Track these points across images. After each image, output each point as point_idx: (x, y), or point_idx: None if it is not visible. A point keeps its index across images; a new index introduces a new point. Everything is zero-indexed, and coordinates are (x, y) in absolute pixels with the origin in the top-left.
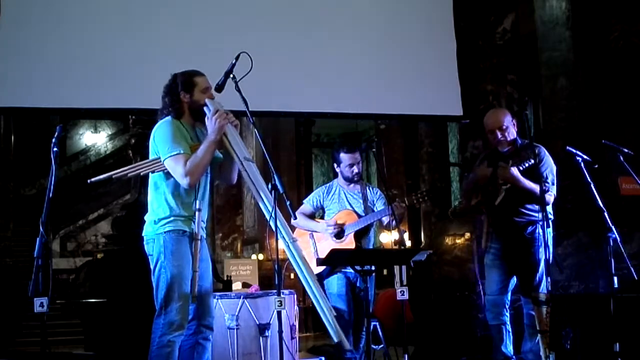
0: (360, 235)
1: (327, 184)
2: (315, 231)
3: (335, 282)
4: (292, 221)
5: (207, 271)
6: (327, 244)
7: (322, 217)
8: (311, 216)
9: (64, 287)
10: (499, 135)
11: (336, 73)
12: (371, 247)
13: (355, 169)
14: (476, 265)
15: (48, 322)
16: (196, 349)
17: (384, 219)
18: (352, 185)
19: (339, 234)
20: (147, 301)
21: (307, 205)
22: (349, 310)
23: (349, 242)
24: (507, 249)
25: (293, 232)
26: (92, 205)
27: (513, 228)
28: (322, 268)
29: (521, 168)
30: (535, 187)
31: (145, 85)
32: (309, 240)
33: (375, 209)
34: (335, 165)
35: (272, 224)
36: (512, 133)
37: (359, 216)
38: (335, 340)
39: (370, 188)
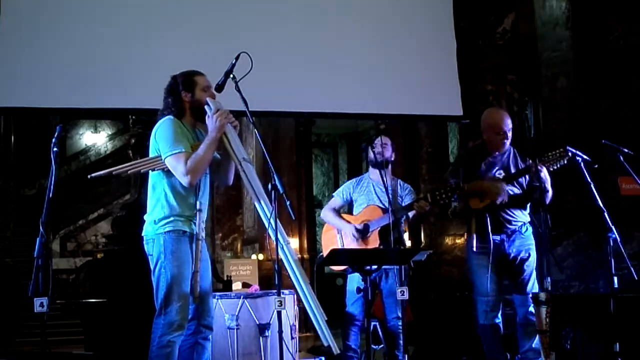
0: (386, 232)
1: (359, 177)
2: (341, 229)
3: (355, 279)
4: (321, 215)
5: (206, 271)
6: (353, 240)
7: (350, 211)
8: (342, 209)
9: (64, 287)
10: (507, 138)
11: (336, 73)
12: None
13: (378, 149)
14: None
15: (48, 322)
16: (196, 349)
17: (410, 215)
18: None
19: (364, 231)
20: (147, 301)
21: (337, 198)
22: (361, 309)
23: (373, 240)
24: (503, 248)
25: (323, 227)
26: (92, 205)
27: (511, 226)
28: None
29: (551, 169)
30: (550, 190)
31: (145, 85)
32: (336, 235)
33: (403, 204)
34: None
35: (270, 224)
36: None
37: (384, 211)
38: (325, 344)
39: (401, 183)
